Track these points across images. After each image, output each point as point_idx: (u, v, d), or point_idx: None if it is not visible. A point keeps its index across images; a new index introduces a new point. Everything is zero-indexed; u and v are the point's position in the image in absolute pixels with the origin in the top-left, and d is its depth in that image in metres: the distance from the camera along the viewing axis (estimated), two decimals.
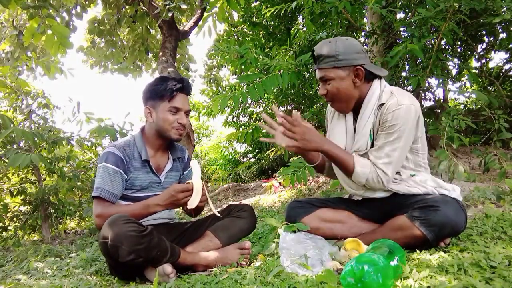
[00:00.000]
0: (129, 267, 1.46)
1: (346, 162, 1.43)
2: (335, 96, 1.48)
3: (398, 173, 1.48)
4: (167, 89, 1.62)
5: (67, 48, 2.98)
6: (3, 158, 3.08)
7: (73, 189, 3.59)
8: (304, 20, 3.33)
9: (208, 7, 3.55)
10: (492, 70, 4.23)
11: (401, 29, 3.15)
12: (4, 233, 3.36)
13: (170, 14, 4.07)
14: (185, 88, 1.67)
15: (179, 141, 1.72)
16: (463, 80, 3.40)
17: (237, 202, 3.49)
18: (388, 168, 1.40)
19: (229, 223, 1.72)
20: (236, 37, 6.10)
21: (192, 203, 1.50)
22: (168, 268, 1.42)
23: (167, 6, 3.86)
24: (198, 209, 1.72)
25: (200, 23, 3.34)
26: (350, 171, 1.43)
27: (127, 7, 4.97)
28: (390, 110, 1.40)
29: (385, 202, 1.53)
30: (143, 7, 4.61)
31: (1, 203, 3.33)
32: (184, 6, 4.20)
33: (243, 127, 7.24)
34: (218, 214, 1.61)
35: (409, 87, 3.32)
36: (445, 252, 1.26)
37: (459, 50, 3.79)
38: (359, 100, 1.49)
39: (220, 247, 1.64)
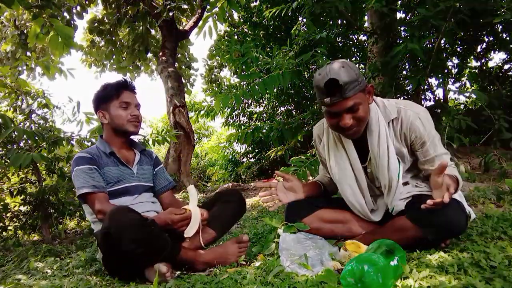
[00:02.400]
0: (128, 264, 1.46)
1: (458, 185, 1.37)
2: (362, 122, 1.36)
3: (415, 177, 1.50)
4: (113, 89, 1.73)
5: (72, 48, 2.98)
6: (3, 158, 3.08)
7: (73, 189, 3.58)
8: (304, 20, 3.34)
9: (208, 7, 3.55)
10: (492, 70, 4.24)
11: (401, 29, 3.15)
12: (4, 233, 3.36)
13: (171, 14, 4.08)
14: (129, 86, 1.77)
15: (136, 134, 1.80)
16: (463, 80, 3.40)
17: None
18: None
19: (219, 211, 1.75)
20: (236, 37, 6.11)
21: (189, 232, 1.51)
22: (163, 267, 1.42)
23: (168, 6, 3.87)
24: None
25: (201, 23, 3.34)
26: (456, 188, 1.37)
27: (128, 7, 4.98)
28: (416, 120, 1.39)
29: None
30: (145, 7, 4.62)
31: (1, 203, 3.32)
32: (185, 6, 4.21)
33: (242, 127, 7.25)
34: (203, 246, 1.62)
35: (409, 87, 3.32)
36: (445, 252, 1.26)
37: (459, 50, 3.79)
38: None
39: (214, 237, 1.69)
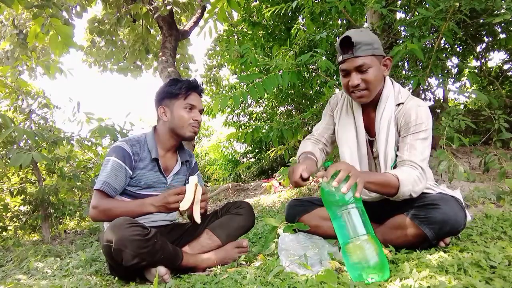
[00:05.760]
0: (130, 269, 1.46)
1: (390, 183, 1.29)
2: (370, 85, 1.40)
3: None
4: (182, 88, 1.66)
5: (72, 48, 2.97)
6: (4, 158, 3.08)
7: (73, 189, 3.59)
8: (304, 20, 3.33)
9: (209, 7, 3.56)
10: (491, 69, 4.24)
11: (401, 29, 3.15)
12: (4, 233, 3.36)
13: (168, 8, 4.11)
14: (199, 88, 1.73)
15: (192, 139, 1.73)
16: (463, 80, 3.40)
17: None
18: (424, 165, 1.36)
19: (228, 220, 1.72)
20: (236, 36, 6.10)
21: (184, 205, 1.48)
22: (162, 269, 1.42)
23: (166, 0, 3.91)
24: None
25: (202, 23, 3.36)
26: (396, 188, 1.29)
27: (129, 6, 4.98)
28: (412, 109, 1.41)
29: (385, 202, 1.53)
30: (146, 3, 4.64)
31: (1, 203, 3.33)
32: (182, 0, 4.24)
33: (243, 127, 7.25)
34: (198, 221, 1.54)
35: (409, 87, 3.32)
36: (445, 252, 1.26)
37: (458, 50, 3.79)
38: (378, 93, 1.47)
39: (219, 245, 1.64)
